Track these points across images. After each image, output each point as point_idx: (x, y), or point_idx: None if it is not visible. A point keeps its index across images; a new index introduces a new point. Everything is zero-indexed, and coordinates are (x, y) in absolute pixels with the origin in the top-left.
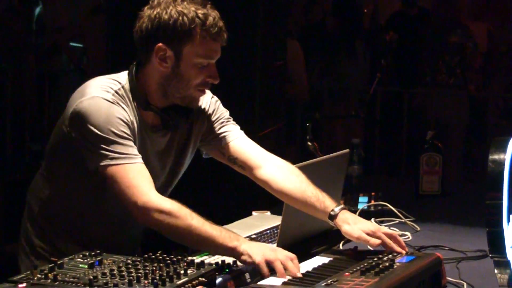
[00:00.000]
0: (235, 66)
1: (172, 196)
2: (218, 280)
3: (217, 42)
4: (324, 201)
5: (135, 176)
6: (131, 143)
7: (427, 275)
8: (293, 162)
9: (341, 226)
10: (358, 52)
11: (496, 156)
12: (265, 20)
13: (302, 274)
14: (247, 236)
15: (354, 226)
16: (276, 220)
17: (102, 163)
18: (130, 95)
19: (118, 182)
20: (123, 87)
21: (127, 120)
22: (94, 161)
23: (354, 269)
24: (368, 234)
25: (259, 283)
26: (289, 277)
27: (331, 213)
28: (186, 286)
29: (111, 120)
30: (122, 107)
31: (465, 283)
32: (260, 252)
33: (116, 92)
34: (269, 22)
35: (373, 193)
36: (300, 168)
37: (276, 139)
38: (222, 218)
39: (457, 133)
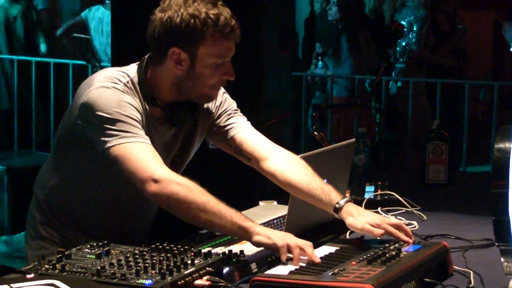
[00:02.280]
0: (241, 55)
1: None
2: (225, 270)
3: (230, 40)
4: (329, 193)
5: (147, 153)
6: (140, 126)
7: (433, 264)
8: (300, 151)
9: (345, 218)
10: (361, 42)
11: (501, 145)
12: (271, 9)
13: (308, 263)
14: None
15: (358, 218)
16: (283, 210)
17: (110, 144)
18: (138, 88)
19: (129, 159)
20: (131, 80)
21: (136, 107)
22: (102, 143)
23: (361, 258)
24: (372, 226)
25: (266, 272)
26: (302, 264)
27: (336, 205)
28: (193, 276)
29: (120, 104)
30: (131, 96)
31: (471, 272)
32: (279, 235)
33: (125, 84)
34: (275, 11)
35: (379, 183)
36: (307, 157)
37: (282, 129)
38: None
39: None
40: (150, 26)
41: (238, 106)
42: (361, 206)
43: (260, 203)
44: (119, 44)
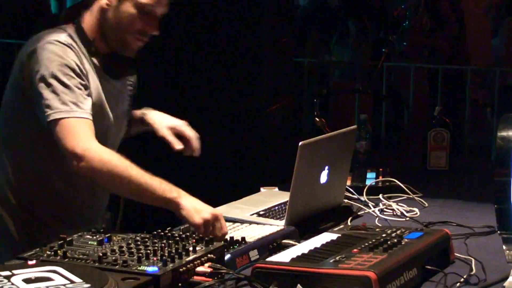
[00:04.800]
0: (242, 43)
1: (180, 174)
2: (227, 256)
3: None
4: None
5: (77, 128)
6: (82, 94)
7: (435, 251)
8: (301, 138)
9: (151, 123)
10: (367, 29)
11: (504, 133)
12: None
13: (310, 250)
14: (255, 213)
15: (160, 123)
16: (284, 196)
17: (49, 118)
18: (79, 42)
19: (61, 134)
20: (70, 35)
21: (80, 66)
22: (44, 116)
23: (363, 246)
24: (171, 128)
25: (267, 259)
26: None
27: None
28: (195, 262)
29: (63, 69)
30: (75, 52)
31: (473, 259)
32: (198, 214)
33: (69, 35)
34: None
35: (381, 169)
36: (309, 144)
37: (284, 114)
38: (230, 194)
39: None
40: None
41: (239, 93)
42: (362, 193)
43: (262, 189)
44: None
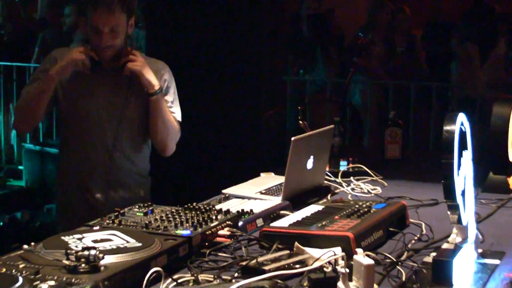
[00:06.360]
0: (245, 64)
1: (198, 163)
2: (240, 223)
3: (98, 11)
4: None
5: None
6: None
7: (395, 217)
8: (289, 136)
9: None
10: (332, 55)
11: (448, 127)
12: (270, 30)
13: (303, 218)
14: (259, 191)
15: None
16: (279, 179)
17: None
18: None
19: None
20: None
21: None
22: None
23: (341, 214)
24: None
25: (271, 225)
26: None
27: None
28: (217, 227)
29: None
30: None
31: (423, 223)
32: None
33: None
34: (272, 32)
35: (350, 158)
36: (299, 139)
37: (277, 118)
38: (236, 178)
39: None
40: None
41: (242, 103)
42: (337, 176)
43: (261, 174)
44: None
